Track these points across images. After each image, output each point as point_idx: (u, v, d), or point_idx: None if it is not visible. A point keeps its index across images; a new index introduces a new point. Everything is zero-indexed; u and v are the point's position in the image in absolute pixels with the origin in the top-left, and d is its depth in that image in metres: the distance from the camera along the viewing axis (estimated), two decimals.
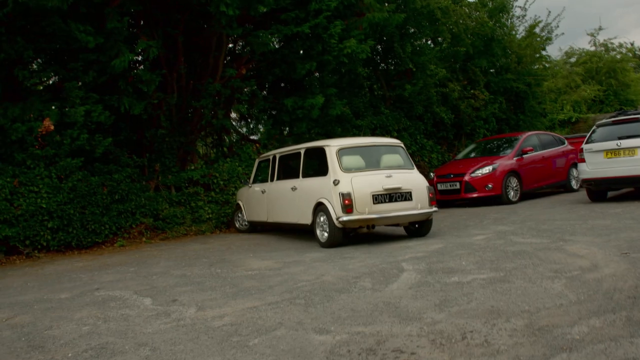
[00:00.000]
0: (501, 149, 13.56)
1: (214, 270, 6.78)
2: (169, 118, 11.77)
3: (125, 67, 9.64)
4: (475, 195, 12.44)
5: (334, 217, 7.64)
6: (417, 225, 8.37)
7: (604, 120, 11.57)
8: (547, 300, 4.12)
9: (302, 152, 8.87)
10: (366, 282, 5.29)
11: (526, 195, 13.02)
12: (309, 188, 8.39)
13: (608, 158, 10.65)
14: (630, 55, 28.20)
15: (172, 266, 7.36)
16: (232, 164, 12.27)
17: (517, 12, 26.43)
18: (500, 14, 18.17)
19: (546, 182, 13.49)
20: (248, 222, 10.86)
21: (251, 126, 15.67)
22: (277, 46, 12.79)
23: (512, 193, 12.42)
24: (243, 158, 12.53)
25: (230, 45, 13.21)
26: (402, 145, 8.67)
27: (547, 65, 20.26)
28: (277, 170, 9.74)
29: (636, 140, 10.42)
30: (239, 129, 13.78)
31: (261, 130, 16.89)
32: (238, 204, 11.25)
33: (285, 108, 12.64)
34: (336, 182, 7.70)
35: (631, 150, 10.46)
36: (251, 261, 7.25)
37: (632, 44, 28.73)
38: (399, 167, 8.21)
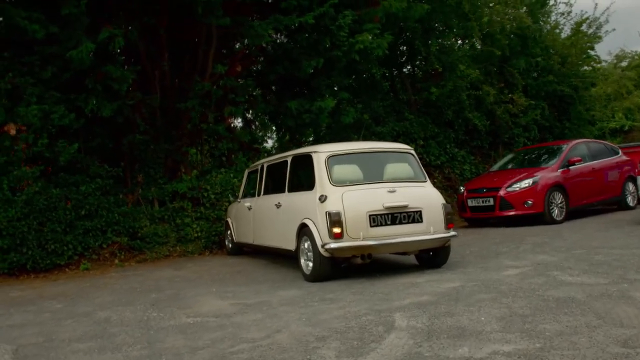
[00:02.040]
0: (544, 159, 11.54)
1: (150, 313, 5.10)
2: (152, 122, 10.22)
3: (87, 61, 8.13)
4: (512, 213, 10.46)
5: (318, 243, 5.85)
6: (430, 254, 6.52)
7: None
8: None
9: (289, 160, 7.13)
10: (330, 351, 3.52)
11: (573, 214, 10.97)
12: (293, 205, 6.66)
13: None
14: None
15: (108, 303, 5.72)
16: (226, 175, 10.62)
17: (562, 8, 24.22)
18: (540, 10, 16.11)
19: (597, 199, 11.40)
20: (237, 243, 9.12)
21: (260, 132, 14.08)
22: (279, 40, 11.17)
23: (556, 211, 10.40)
24: (240, 169, 10.86)
25: (233, 43, 11.66)
26: (413, 151, 6.87)
27: (596, 66, 18.02)
28: (264, 183, 8.05)
29: None
30: (242, 136, 12.10)
31: (273, 138, 15.36)
32: (227, 222, 9.59)
33: (290, 112, 10.96)
34: (322, 199, 5.93)
35: None
36: (207, 300, 5.55)
37: None
38: (407, 179, 6.41)
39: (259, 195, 8.15)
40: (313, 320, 4.34)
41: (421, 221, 6.07)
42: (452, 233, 6.28)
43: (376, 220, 5.88)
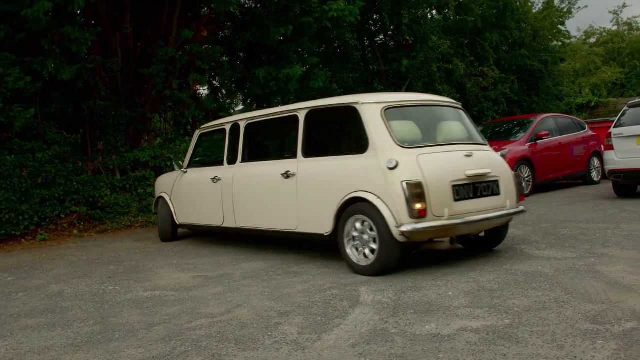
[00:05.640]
0: (512, 132, 11.51)
1: (107, 286, 4.88)
2: (113, 87, 9.81)
3: (43, 21, 7.65)
4: None
5: (391, 224, 4.39)
6: (482, 233, 5.38)
7: (637, 100, 9.56)
8: None
9: (302, 116, 5.43)
10: (292, 327, 3.37)
11: (539, 188, 11.04)
12: (327, 174, 5.04)
13: None
14: None
15: (62, 276, 5.48)
16: (190, 143, 10.31)
17: None
18: None
19: (563, 173, 11.46)
20: (182, 225, 7.31)
21: (227, 101, 13.75)
22: (248, 5, 10.81)
23: (522, 185, 10.41)
24: None
25: (198, 6, 11.22)
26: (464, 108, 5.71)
27: (566, 41, 18.06)
28: (245, 146, 6.26)
29: None
30: (208, 104, 11.74)
31: (240, 106, 15.07)
32: (160, 200, 7.64)
33: (257, 80, 10.68)
34: (393, 165, 4.48)
35: None
36: (166, 273, 5.35)
37: None
38: (470, 141, 5.18)
39: (233, 162, 6.34)
40: (276, 294, 4.19)
41: (499, 193, 4.97)
42: (522, 208, 5.21)
43: (460, 192, 4.64)
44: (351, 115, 4.97)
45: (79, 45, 8.41)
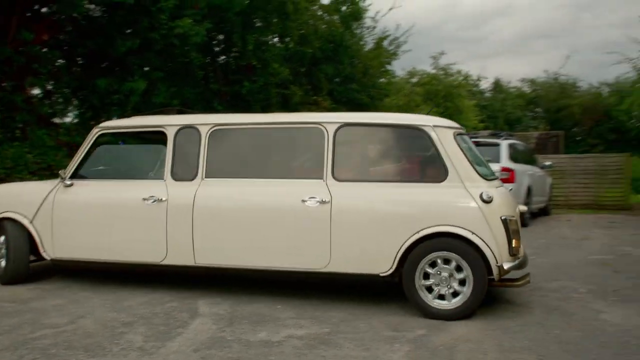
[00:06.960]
0: None
1: None
2: None
3: None
4: None
5: (493, 264, 4.07)
6: None
7: None
8: None
9: (330, 130, 4.52)
10: (137, 335, 3.68)
11: None
12: (384, 204, 4.33)
13: None
14: (465, 82, 29.49)
15: None
16: (19, 149, 9.86)
17: (368, 22, 26.33)
18: (352, 22, 17.52)
19: None
20: (54, 260, 5.13)
21: (60, 107, 13.22)
22: (93, 13, 10.67)
23: None
24: (36, 144, 10.16)
25: (42, 9, 10.78)
26: None
27: (392, 79, 20.04)
28: (209, 158, 4.77)
29: None
30: (41, 109, 11.26)
31: (75, 113, 14.54)
32: (10, 223, 5.20)
33: (97, 89, 10.56)
34: (489, 198, 4.14)
35: None
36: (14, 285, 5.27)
37: (467, 73, 30.09)
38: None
39: (183, 178, 4.76)
40: (117, 306, 4.43)
41: None
42: None
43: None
44: (413, 137, 4.48)
45: None
